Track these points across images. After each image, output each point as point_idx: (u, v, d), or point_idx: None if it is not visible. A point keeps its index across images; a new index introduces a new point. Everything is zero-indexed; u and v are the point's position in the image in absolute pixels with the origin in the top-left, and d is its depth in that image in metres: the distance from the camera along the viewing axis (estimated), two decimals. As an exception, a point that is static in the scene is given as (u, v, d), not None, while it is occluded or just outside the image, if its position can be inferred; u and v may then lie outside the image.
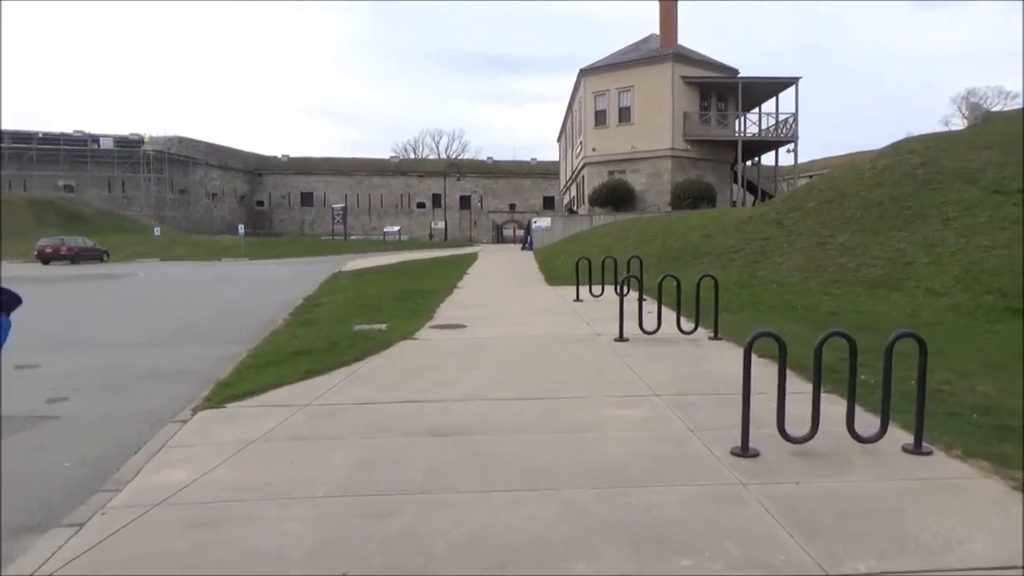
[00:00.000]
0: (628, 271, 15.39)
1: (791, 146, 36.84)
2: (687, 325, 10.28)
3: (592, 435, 5.70)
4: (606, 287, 15.27)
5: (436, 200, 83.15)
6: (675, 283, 10.93)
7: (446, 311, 13.61)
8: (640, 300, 11.02)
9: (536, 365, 8.60)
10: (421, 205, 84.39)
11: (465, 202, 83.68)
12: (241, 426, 6.08)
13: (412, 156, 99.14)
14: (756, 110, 38.59)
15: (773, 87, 36.83)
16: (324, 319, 12.71)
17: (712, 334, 10.10)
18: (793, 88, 35.73)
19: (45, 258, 36.35)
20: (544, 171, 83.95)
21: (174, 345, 11.25)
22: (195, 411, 6.66)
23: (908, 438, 5.28)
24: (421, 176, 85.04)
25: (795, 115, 35.81)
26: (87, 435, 6.43)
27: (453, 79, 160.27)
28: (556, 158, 66.73)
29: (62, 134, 68.89)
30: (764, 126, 37.40)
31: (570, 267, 22.22)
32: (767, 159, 42.48)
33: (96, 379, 8.78)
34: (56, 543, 3.88)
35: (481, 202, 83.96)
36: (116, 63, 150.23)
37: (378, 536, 3.86)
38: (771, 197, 36.95)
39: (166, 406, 7.32)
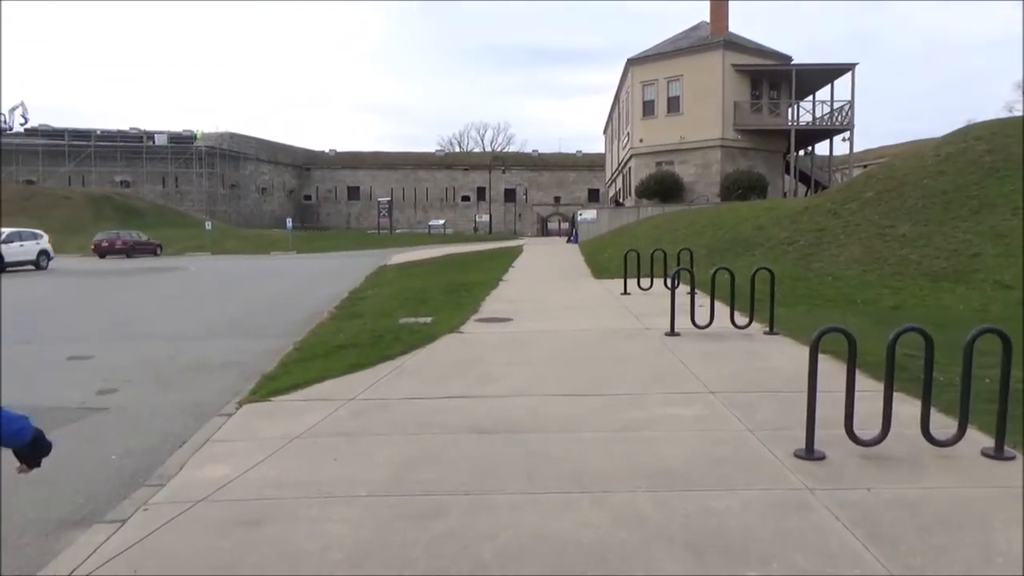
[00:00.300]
0: (678, 263, 15.03)
1: (847, 134, 35.67)
2: (740, 320, 9.91)
3: (645, 434, 5.45)
4: (655, 280, 14.91)
5: (481, 193, 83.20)
6: (727, 276, 10.55)
7: (491, 304, 13.45)
8: (692, 294, 10.70)
9: (584, 360, 8.37)
10: (466, 198, 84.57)
11: (510, 195, 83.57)
12: (284, 421, 6.00)
13: (457, 150, 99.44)
14: (810, 98, 37.46)
15: (828, 74, 35.67)
16: (369, 312, 12.67)
17: (767, 329, 9.72)
18: (849, 75, 34.54)
19: (101, 252, 37.37)
20: (589, 163, 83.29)
21: (222, 338, 11.32)
22: (240, 404, 6.62)
23: (988, 441, 4.90)
24: (466, 169, 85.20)
25: (851, 102, 34.62)
26: (135, 428, 6.44)
27: (498, 73, 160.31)
28: (601, 150, 66.10)
29: (119, 131, 70.98)
30: (818, 114, 36.25)
31: (617, 260, 21.90)
32: (820, 149, 41.32)
33: (146, 371, 8.85)
34: (98, 539, 3.81)
35: (526, 195, 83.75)
36: (170, 62, 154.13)
37: (423, 540, 3.70)
38: (825, 188, 35.91)
39: (212, 399, 7.31)
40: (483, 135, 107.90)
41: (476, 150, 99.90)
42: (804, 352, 5.88)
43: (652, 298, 13.71)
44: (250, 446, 5.36)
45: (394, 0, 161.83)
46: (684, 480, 4.48)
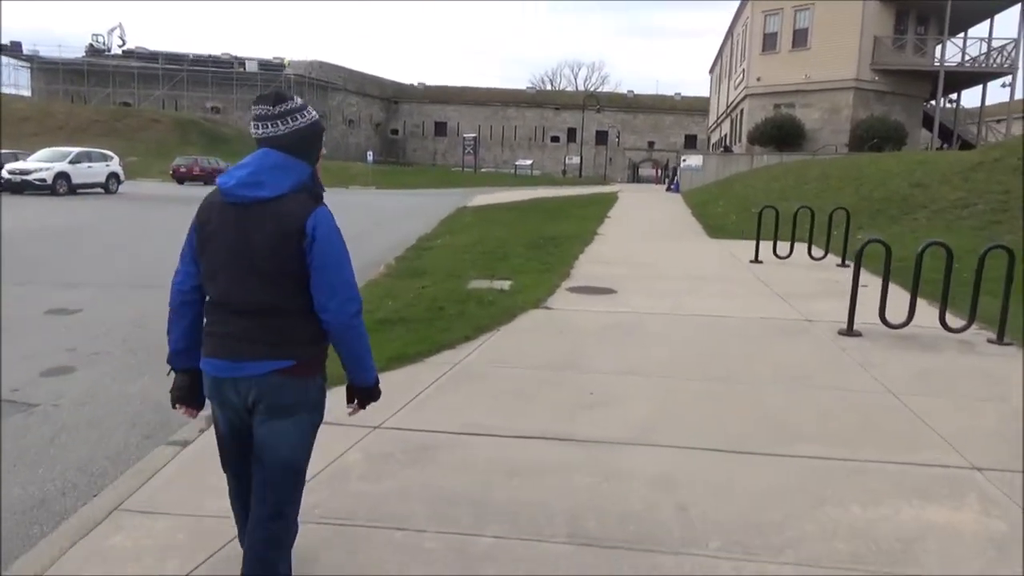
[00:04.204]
0: (829, 225, 11.86)
1: (1007, 79, 30.43)
2: (936, 314, 6.88)
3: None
4: (794, 245, 11.80)
5: (571, 135, 79.20)
6: (881, 248, 7.44)
7: (586, 266, 10.75)
8: (857, 273, 7.72)
9: (733, 372, 5.63)
10: (555, 139, 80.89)
11: (601, 137, 79.28)
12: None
13: (549, 88, 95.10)
14: (961, 36, 32.09)
15: (990, 7, 30.20)
16: (434, 268, 10.19)
17: (994, 336, 6.68)
18: (1019, 7, 29.13)
19: (180, 177, 36.31)
20: (688, 107, 77.89)
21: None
22: (203, 431, 4.22)
23: None
24: (557, 109, 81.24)
25: (1018, 41, 29.22)
26: (46, 450, 4.18)
27: (598, 11, 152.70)
28: (702, 94, 61.08)
29: (210, 56, 70.38)
30: (975, 54, 30.92)
31: (733, 216, 18.69)
32: (967, 98, 35.81)
33: (132, 337, 6.69)
34: None
35: (618, 138, 79.31)
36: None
37: None
38: (971, 145, 30.95)
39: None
40: (576, 73, 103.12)
41: (568, 89, 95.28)
42: None
43: (793, 270, 10.71)
44: (170, 539, 2.93)
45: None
46: None
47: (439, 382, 5.28)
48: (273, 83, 68.09)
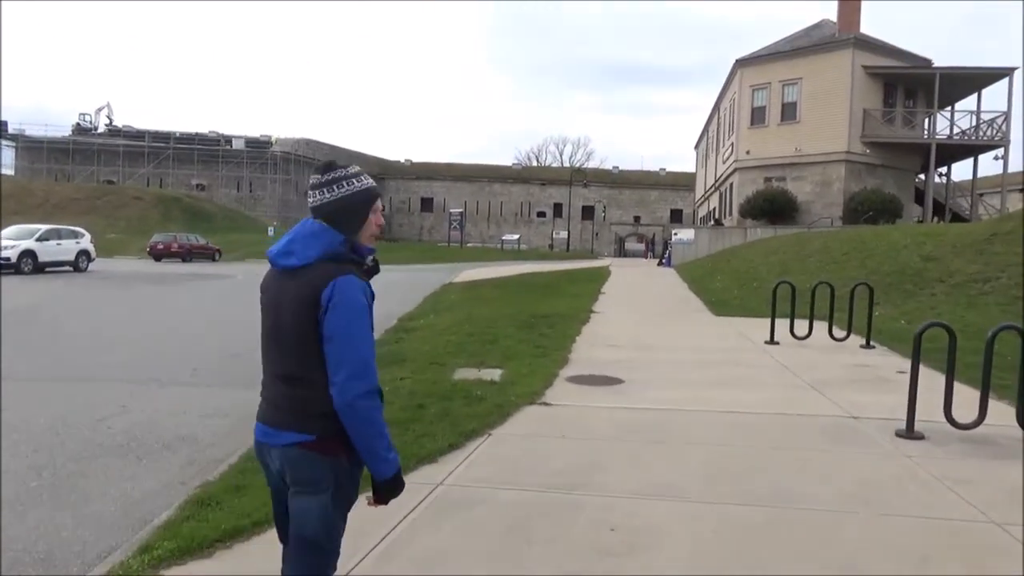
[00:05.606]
0: (831, 299, 10.85)
1: (1000, 152, 30.21)
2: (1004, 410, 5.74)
3: None
4: (809, 324, 10.70)
5: (557, 210, 79.36)
6: (945, 333, 6.38)
7: (586, 350, 9.59)
8: (916, 363, 6.59)
9: (786, 495, 4.45)
10: (541, 214, 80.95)
11: (587, 212, 79.44)
12: None
13: (535, 164, 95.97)
14: (948, 109, 32.13)
15: (978, 80, 30.26)
16: (415, 354, 8.98)
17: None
18: (1006, 82, 29.12)
19: (157, 255, 35.17)
20: (673, 182, 78.56)
21: (204, 385, 7.85)
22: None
23: None
24: (543, 184, 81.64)
25: (1008, 114, 29.15)
26: None
27: (580, 89, 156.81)
28: (686, 169, 61.41)
29: (197, 134, 70.45)
30: (964, 127, 30.81)
31: (734, 291, 17.71)
32: (958, 171, 35.70)
33: (45, 448, 5.46)
34: None
35: (604, 213, 79.42)
36: (248, 67, 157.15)
37: None
38: (964, 219, 30.54)
39: (88, 542, 3.73)
40: (562, 150, 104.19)
41: (554, 165, 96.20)
42: None
43: (815, 353, 9.59)
44: None
45: (485, 3, 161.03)
46: None
47: (414, 515, 4.06)
48: (259, 160, 68.13)
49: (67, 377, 7.99)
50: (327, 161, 2.31)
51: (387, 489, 2.26)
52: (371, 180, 2.32)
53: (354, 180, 2.27)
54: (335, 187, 2.23)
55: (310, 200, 2.26)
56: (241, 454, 5.17)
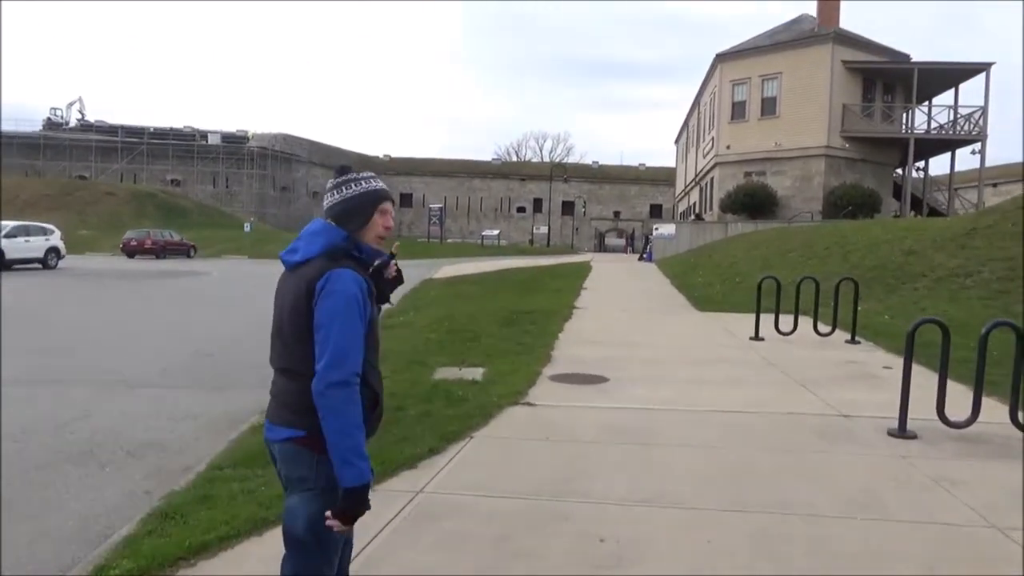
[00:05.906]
0: (816, 294, 10.74)
1: (976, 146, 30.43)
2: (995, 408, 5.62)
3: None
4: (794, 319, 10.57)
5: (537, 205, 79.20)
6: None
7: (569, 347, 9.39)
8: (909, 361, 6.45)
9: (782, 501, 4.29)
10: (521, 210, 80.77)
11: (568, 208, 79.38)
12: None
13: (514, 159, 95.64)
14: (925, 104, 32.32)
15: (956, 75, 30.44)
16: (394, 353, 8.71)
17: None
18: (982, 77, 29.34)
19: (130, 251, 34.48)
20: (652, 177, 78.68)
21: (174, 386, 7.54)
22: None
23: None
24: (523, 179, 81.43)
25: (984, 108, 29.39)
26: None
27: (560, 84, 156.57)
28: (667, 165, 61.42)
29: (171, 129, 69.31)
30: (942, 121, 31.00)
31: (717, 286, 17.60)
32: (935, 165, 36.02)
33: (17, 456, 5.09)
34: None
35: (584, 208, 79.41)
36: (225, 61, 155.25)
37: None
38: (941, 214, 30.78)
39: (47, 560, 3.47)
40: (542, 145, 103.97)
41: (534, 160, 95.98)
42: None
43: (801, 349, 9.48)
44: None
45: (466, 1, 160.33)
46: None
47: (393, 525, 3.84)
48: (235, 155, 67.15)
49: (29, 380, 7.63)
50: (342, 165, 2.40)
51: (347, 501, 2.05)
52: (381, 183, 2.37)
53: (362, 182, 2.33)
54: (344, 188, 2.31)
55: (324, 203, 2.35)
56: (209, 461, 4.92)
